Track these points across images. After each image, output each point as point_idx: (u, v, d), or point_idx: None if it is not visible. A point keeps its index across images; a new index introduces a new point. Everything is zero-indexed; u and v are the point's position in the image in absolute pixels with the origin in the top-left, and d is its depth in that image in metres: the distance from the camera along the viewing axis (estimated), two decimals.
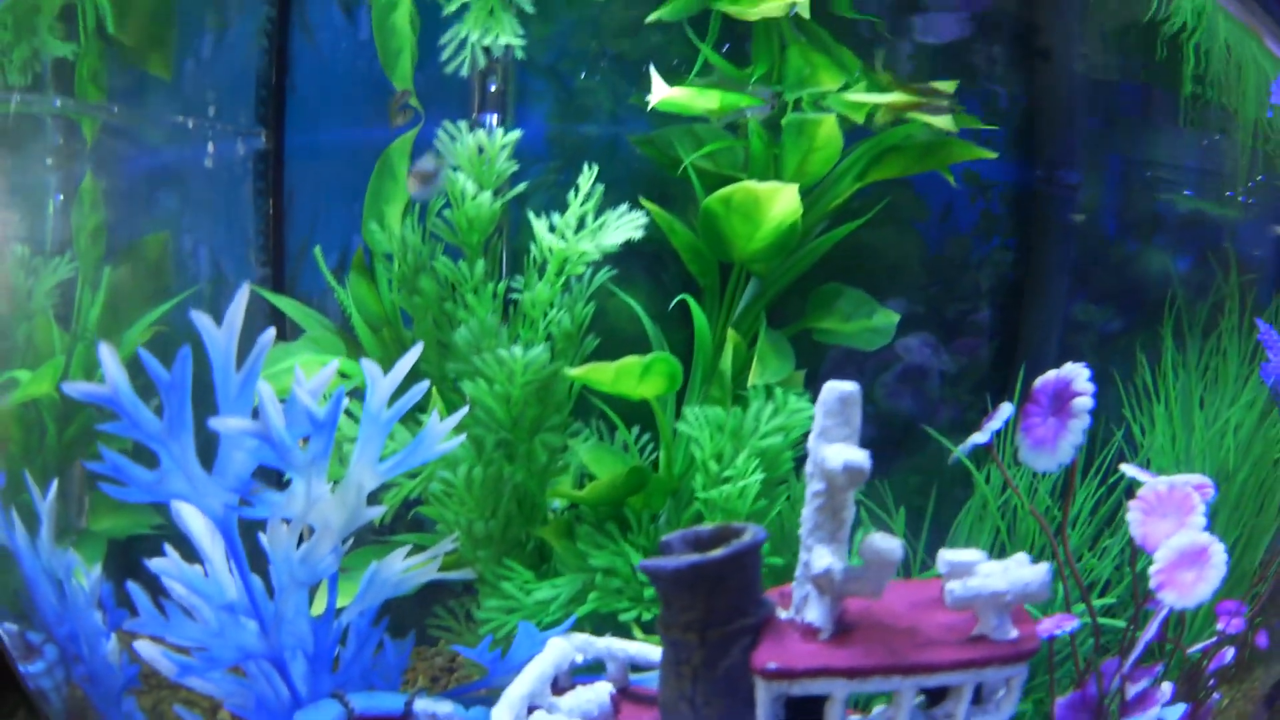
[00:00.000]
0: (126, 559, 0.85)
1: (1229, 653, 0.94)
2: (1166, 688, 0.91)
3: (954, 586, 0.62)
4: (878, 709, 0.66)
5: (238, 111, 0.96)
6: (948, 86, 0.81)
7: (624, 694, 0.72)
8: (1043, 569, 0.64)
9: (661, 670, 0.64)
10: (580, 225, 0.83)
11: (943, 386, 1.05)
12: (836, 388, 0.60)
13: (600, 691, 0.69)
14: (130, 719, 0.89)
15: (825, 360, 1.02)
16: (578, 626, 0.76)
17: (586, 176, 0.83)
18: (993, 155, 0.92)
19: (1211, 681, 0.96)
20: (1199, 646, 0.93)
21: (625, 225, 0.82)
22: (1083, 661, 0.88)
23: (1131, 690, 0.91)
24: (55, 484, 0.87)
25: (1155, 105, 1.05)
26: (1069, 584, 0.90)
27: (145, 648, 0.79)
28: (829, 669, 0.59)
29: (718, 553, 0.59)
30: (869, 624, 0.63)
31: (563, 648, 0.71)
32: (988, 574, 0.64)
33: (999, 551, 1.03)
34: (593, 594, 0.78)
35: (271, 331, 0.68)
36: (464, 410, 0.72)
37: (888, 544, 0.62)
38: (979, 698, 0.66)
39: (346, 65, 0.94)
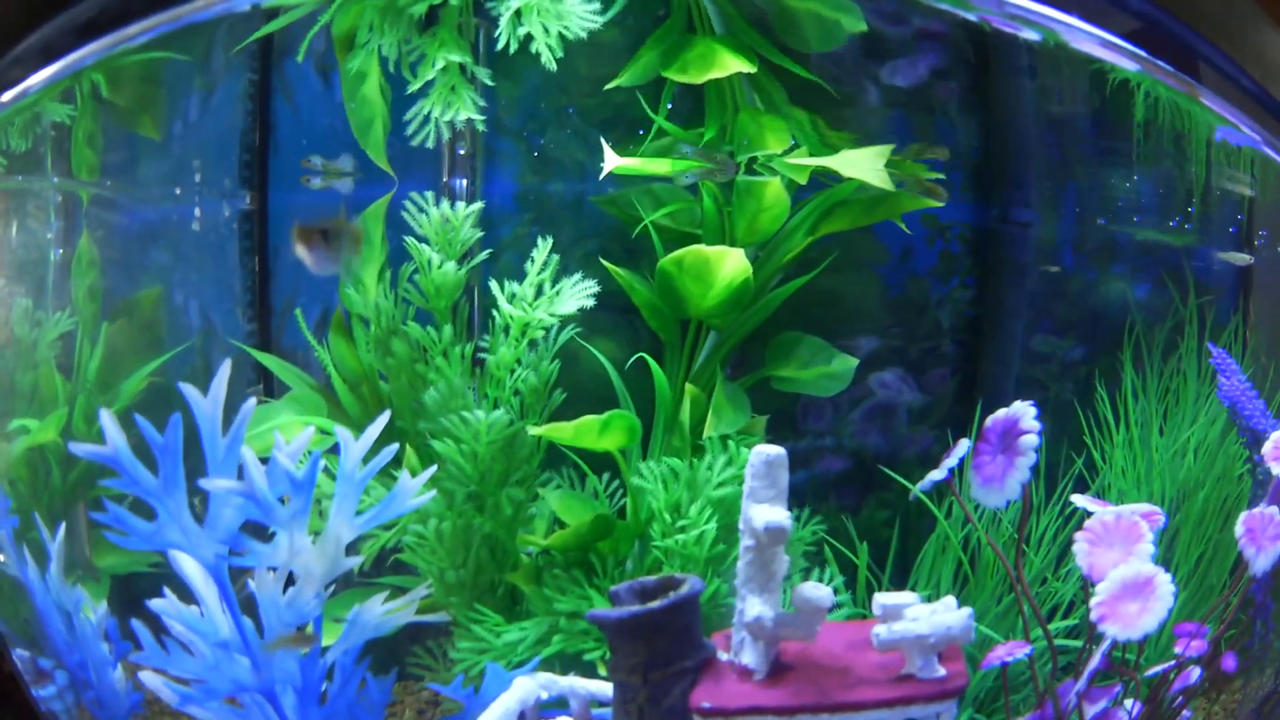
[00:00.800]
0: (128, 594, 0.95)
1: (1193, 673, 0.98)
2: (1131, 706, 0.96)
3: (880, 630, 0.70)
4: None
5: (223, 173, 1.05)
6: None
7: None
8: (965, 614, 0.71)
9: (613, 708, 0.72)
10: (539, 292, 0.91)
11: (908, 423, 1.12)
12: (763, 452, 0.67)
13: None
14: None
15: (798, 401, 1.09)
16: (547, 666, 0.84)
17: (542, 247, 0.91)
18: (939, 203, 0.98)
19: (1179, 700, 1.00)
20: (1157, 669, 0.97)
21: (578, 294, 0.90)
22: (1043, 684, 0.94)
23: (1090, 711, 0.97)
24: (63, 525, 0.97)
25: (1106, 141, 1.11)
26: (1026, 612, 0.96)
27: (149, 678, 0.89)
28: (760, 708, 0.67)
29: (656, 604, 0.67)
30: (804, 664, 0.71)
31: (528, 686, 0.80)
32: (914, 617, 0.71)
33: (962, 584, 1.10)
34: (557, 636, 0.86)
35: (253, 401, 0.77)
36: (433, 468, 0.80)
37: (818, 593, 0.70)
38: None
39: (325, 127, 1.02)
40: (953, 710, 0.72)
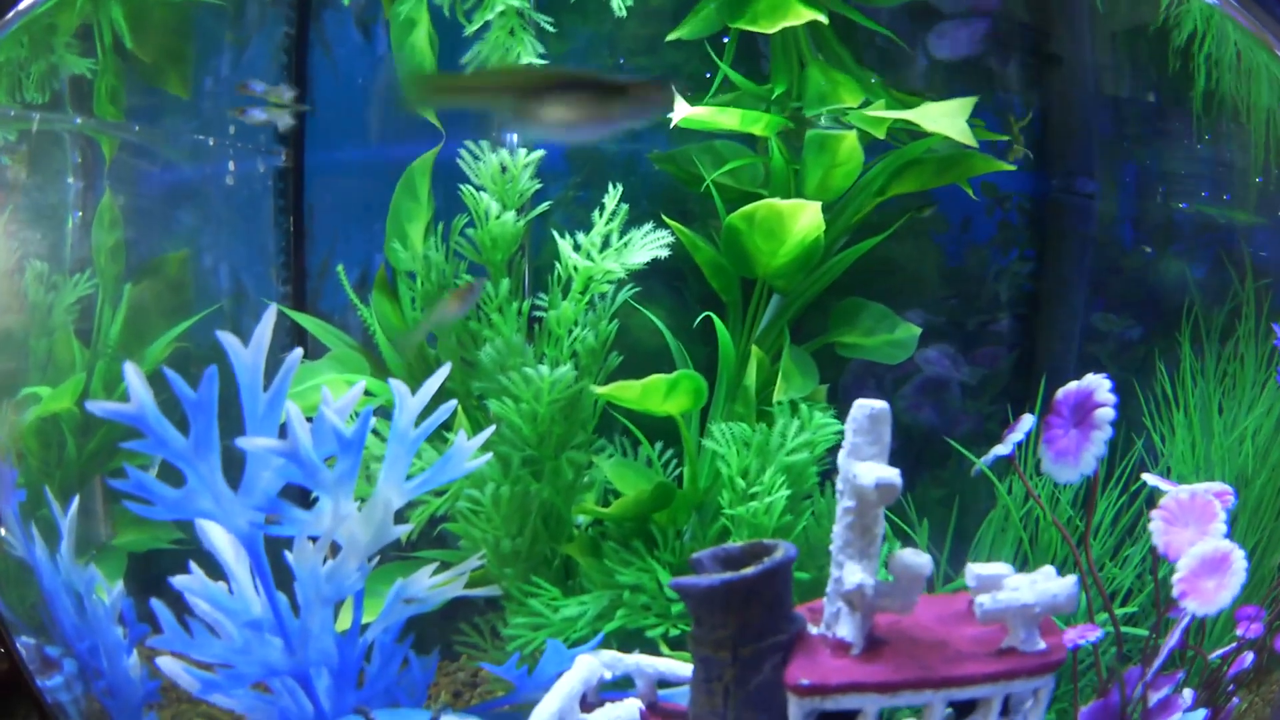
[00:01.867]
0: (146, 574, 0.87)
1: (1248, 658, 0.95)
2: (1188, 694, 0.92)
3: (984, 600, 0.64)
4: None
5: (257, 129, 0.99)
6: (967, 104, 0.82)
7: (652, 710, 0.73)
8: (1070, 581, 0.66)
9: (692, 687, 0.65)
10: (605, 244, 0.85)
11: (964, 398, 1.07)
12: (867, 405, 0.62)
13: (629, 708, 0.71)
14: None
15: (845, 373, 1.04)
16: (605, 643, 0.77)
17: (612, 195, 0.85)
18: (1011, 168, 0.94)
19: (1231, 687, 0.97)
20: (1219, 652, 0.94)
21: (650, 244, 0.84)
22: (1105, 670, 0.90)
23: (1154, 698, 0.93)
24: (76, 499, 0.88)
25: (1168, 114, 1.08)
26: (1092, 594, 0.91)
27: (168, 664, 0.81)
28: (861, 684, 0.60)
29: (750, 570, 0.61)
30: (899, 638, 0.65)
31: (591, 664, 0.73)
32: (1015, 587, 0.66)
33: (1022, 563, 1.04)
34: (620, 610, 0.80)
35: (299, 351, 0.70)
36: (492, 428, 0.73)
37: (918, 559, 0.64)
38: (1007, 709, 0.67)
39: (365, 83, 0.96)
40: (1051, 685, 0.66)
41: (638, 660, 0.73)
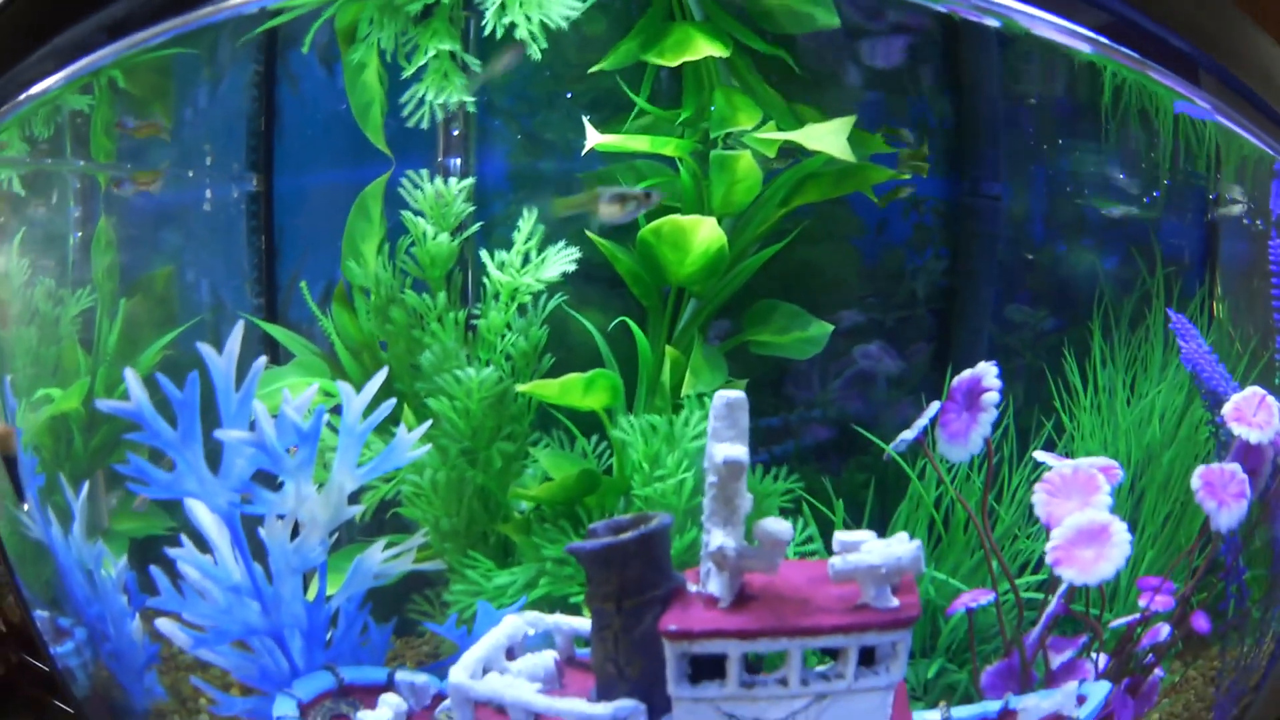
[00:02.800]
0: (144, 555, 1.05)
1: (1162, 630, 1.03)
2: (1101, 659, 1.02)
3: (835, 561, 0.78)
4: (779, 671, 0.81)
5: (231, 157, 1.15)
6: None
7: (569, 662, 0.89)
8: (913, 545, 0.79)
9: (591, 637, 0.81)
10: (526, 259, 1.00)
11: (887, 389, 1.21)
12: (725, 395, 0.76)
13: (545, 658, 0.87)
14: (151, 692, 1.09)
15: (783, 370, 1.18)
16: (536, 608, 0.93)
17: (528, 218, 1.01)
18: (906, 176, 1.07)
19: (1150, 658, 1.05)
20: (1119, 621, 1.00)
21: (561, 260, 0.99)
22: (1010, 634, 1.00)
23: (1056, 659, 1.04)
24: (86, 486, 1.07)
25: (1074, 116, 1.19)
26: (993, 563, 1.03)
27: (164, 624, 0.99)
28: (723, 631, 0.75)
29: (627, 535, 0.76)
30: (767, 595, 0.79)
31: (515, 622, 0.89)
32: (869, 550, 0.80)
33: (935, 542, 1.18)
34: (544, 579, 0.96)
35: (264, 359, 0.87)
36: (428, 423, 0.90)
37: (778, 526, 0.78)
38: (873, 660, 0.80)
39: (327, 113, 1.12)
40: (907, 639, 0.79)
41: (556, 619, 0.89)
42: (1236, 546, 1.11)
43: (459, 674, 0.83)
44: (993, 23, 0.98)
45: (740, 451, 0.74)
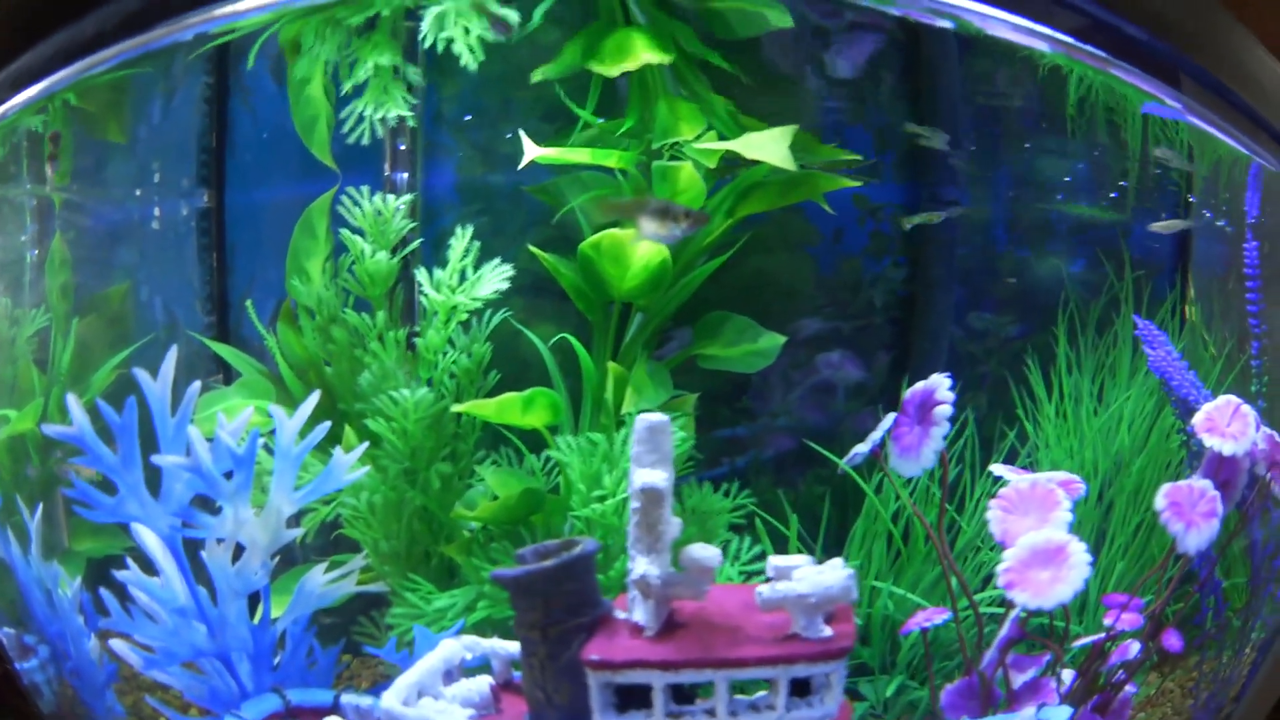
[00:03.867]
0: (98, 576, 1.05)
1: (1132, 646, 1.01)
2: (1067, 675, 1.00)
3: (763, 590, 0.77)
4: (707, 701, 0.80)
5: (183, 173, 1.15)
6: (788, 131, 0.93)
7: (506, 686, 0.88)
8: (844, 574, 0.77)
9: (520, 663, 0.80)
10: (463, 277, 0.99)
11: (845, 400, 1.19)
12: (646, 419, 0.75)
13: (480, 683, 0.86)
14: (112, 710, 1.09)
15: (745, 381, 1.16)
16: (479, 632, 0.92)
17: (461, 236, 1.00)
18: (856, 184, 1.05)
19: (1120, 674, 1.03)
20: (1084, 641, 0.97)
21: (495, 277, 0.98)
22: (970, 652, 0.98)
23: (1018, 679, 1.02)
24: (40, 506, 1.07)
25: (1038, 119, 1.17)
26: (951, 580, 1.01)
27: (118, 644, 0.99)
28: (644, 661, 0.74)
29: (548, 563, 0.75)
30: (696, 623, 0.78)
31: (452, 646, 0.88)
32: (800, 578, 0.78)
33: (895, 555, 1.16)
34: (483, 602, 0.95)
35: (197, 385, 0.87)
36: (364, 445, 0.89)
37: (705, 553, 0.77)
38: (807, 691, 0.79)
39: (278, 127, 1.12)
40: (841, 670, 0.76)
41: (493, 644, 0.88)
42: (1211, 559, 1.08)
43: (390, 699, 0.83)
44: (946, 24, 0.95)
45: (659, 478, 0.73)
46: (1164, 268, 1.24)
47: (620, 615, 0.79)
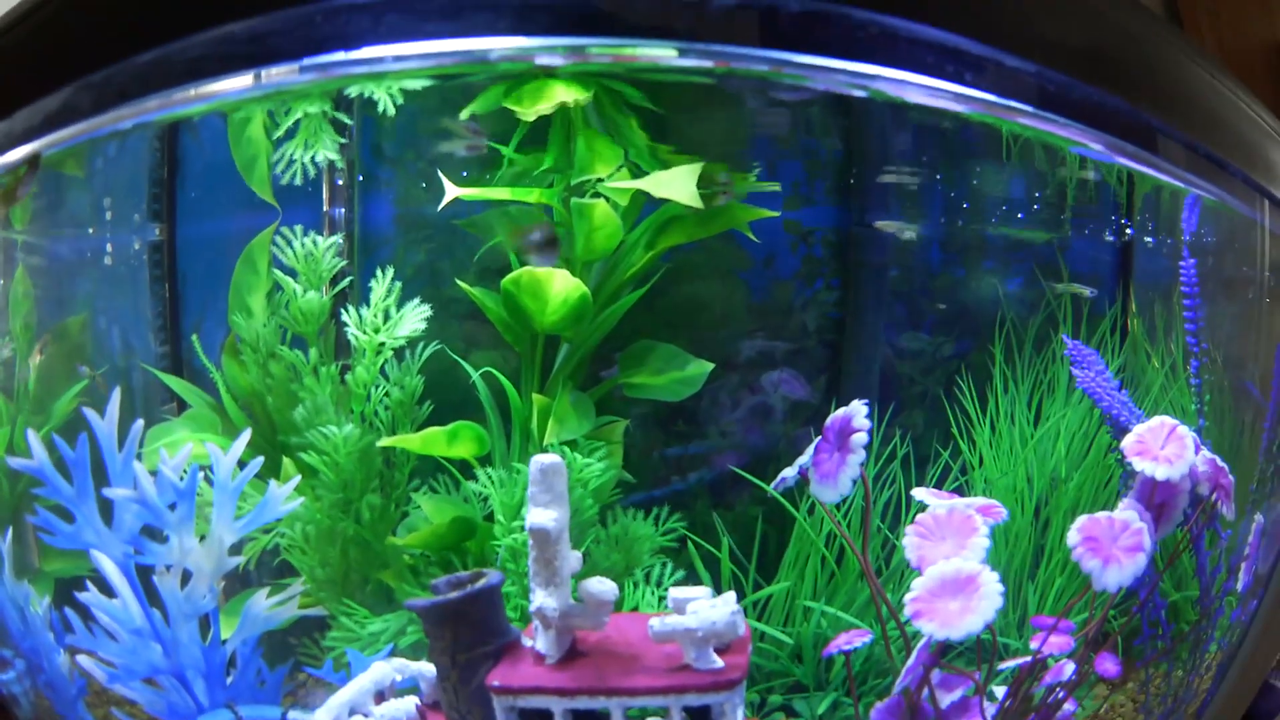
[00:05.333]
0: (66, 594, 1.14)
1: (1067, 667, 1.02)
2: (999, 693, 1.03)
3: (654, 623, 0.83)
4: None
5: (135, 206, 1.22)
6: (694, 168, 0.97)
7: (432, 707, 0.95)
8: (729, 610, 0.82)
9: (437, 686, 0.87)
10: (386, 316, 1.05)
11: (781, 422, 1.24)
12: (540, 460, 0.81)
13: (407, 703, 0.93)
14: None
15: (678, 405, 1.21)
16: (412, 654, 0.99)
17: (381, 278, 1.06)
18: (773, 214, 1.09)
19: (1060, 693, 1.05)
20: (1009, 664, 0.98)
21: (415, 317, 1.05)
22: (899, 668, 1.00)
23: (945, 699, 1.06)
24: (10, 530, 1.16)
25: (972, 138, 1.19)
26: (880, 602, 1.05)
27: (85, 660, 1.08)
28: (543, 688, 0.81)
29: (455, 594, 0.81)
30: (597, 652, 0.85)
31: (383, 669, 0.95)
32: (692, 611, 0.84)
33: (829, 578, 1.21)
34: (412, 627, 1.02)
35: (140, 422, 0.94)
36: (297, 479, 0.96)
37: (601, 587, 0.83)
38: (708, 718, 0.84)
39: (225, 163, 1.18)
40: (735, 700, 0.82)
41: (420, 666, 0.95)
42: (1152, 579, 1.09)
43: (323, 717, 0.90)
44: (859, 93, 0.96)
45: (549, 518, 0.79)
46: (1104, 283, 1.26)
47: (527, 643, 0.86)
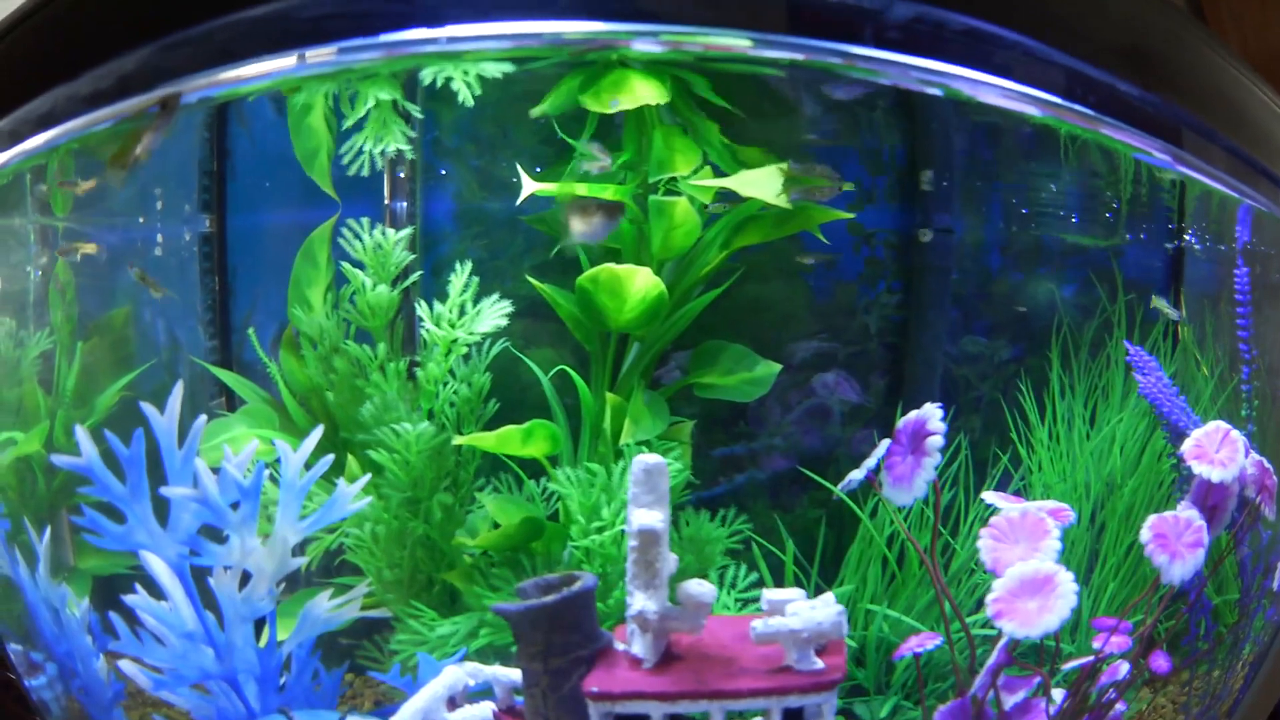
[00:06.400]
0: (108, 591, 1.10)
1: (1121, 667, 1.04)
2: (1058, 695, 1.04)
3: (756, 624, 0.81)
4: None
5: (184, 198, 1.18)
6: (779, 169, 0.97)
7: (508, 712, 0.93)
8: (835, 610, 0.82)
9: (523, 692, 0.85)
10: (462, 311, 1.03)
11: (841, 424, 1.23)
12: (643, 461, 0.79)
13: (483, 709, 0.91)
14: None
15: (741, 405, 1.20)
16: (481, 658, 0.97)
17: (460, 272, 1.03)
18: (849, 216, 1.08)
19: (1111, 694, 1.07)
20: (1072, 665, 1.00)
21: (495, 313, 1.02)
22: (964, 675, 1.01)
23: (1008, 700, 1.06)
24: (49, 528, 1.12)
25: (1032, 143, 1.20)
26: (944, 604, 1.05)
27: (127, 666, 1.04)
28: (643, 693, 0.79)
29: (550, 598, 0.79)
30: (692, 655, 0.83)
31: (456, 673, 0.93)
32: (793, 613, 0.83)
33: (890, 579, 1.20)
34: (484, 630, 0.99)
35: (203, 419, 0.91)
36: (366, 477, 0.93)
37: (700, 589, 0.82)
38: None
39: (278, 154, 1.15)
40: (832, 700, 0.81)
41: (495, 671, 0.93)
42: (1200, 580, 1.11)
43: None
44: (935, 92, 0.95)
45: (655, 519, 0.77)
46: (1157, 289, 1.27)
47: (619, 647, 0.84)
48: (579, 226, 0.97)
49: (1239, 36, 1.81)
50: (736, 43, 0.71)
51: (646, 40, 0.73)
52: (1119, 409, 1.24)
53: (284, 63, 0.74)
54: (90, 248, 1.10)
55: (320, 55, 0.75)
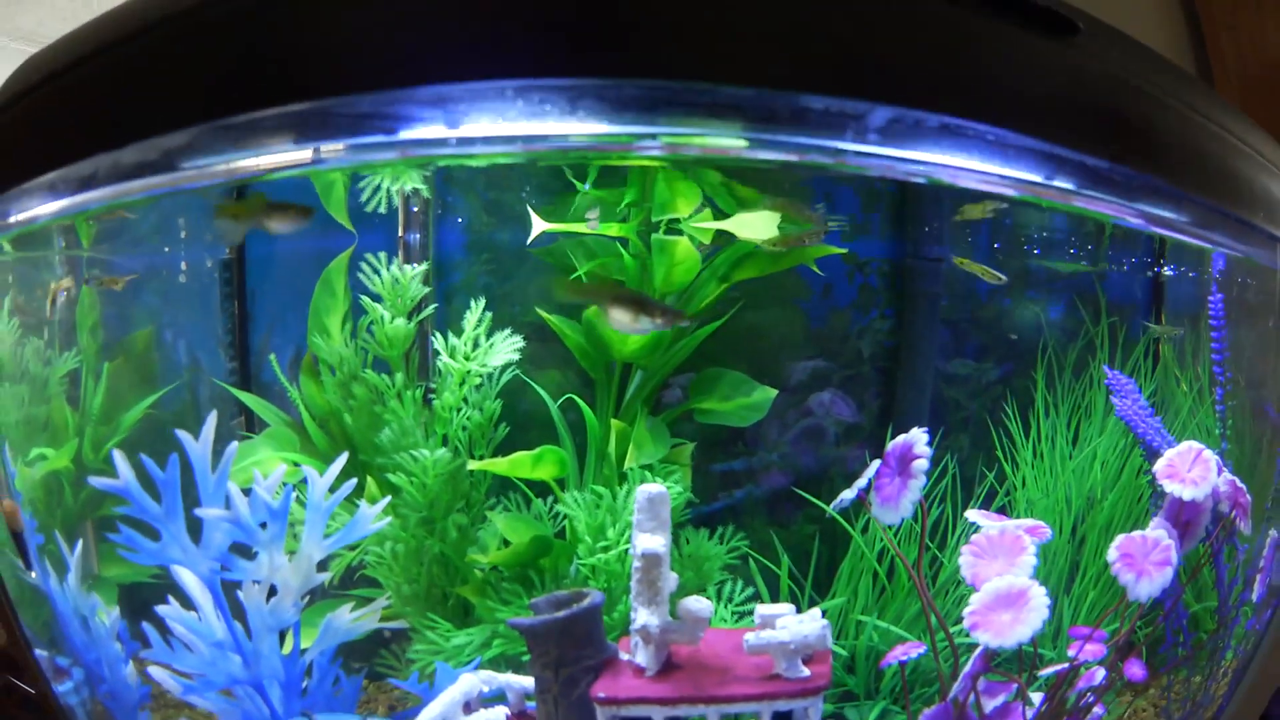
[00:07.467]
0: (135, 600, 1.19)
1: (1098, 673, 1.14)
2: (1037, 698, 1.13)
3: (749, 637, 0.91)
4: None
5: (205, 224, 1.27)
6: (775, 214, 1.06)
7: (520, 716, 1.03)
8: (820, 625, 0.92)
9: (535, 698, 0.95)
10: (476, 344, 1.12)
11: (834, 444, 1.32)
12: (647, 490, 0.88)
13: (495, 713, 1.01)
14: None
15: (749, 427, 1.28)
16: (494, 666, 1.07)
17: (475, 307, 1.12)
18: (841, 251, 1.17)
19: (1090, 698, 1.16)
20: (1048, 671, 1.09)
21: (506, 348, 1.12)
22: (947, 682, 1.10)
23: (989, 704, 1.16)
24: (80, 541, 1.21)
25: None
26: (930, 616, 1.14)
27: (157, 672, 1.14)
28: (645, 698, 0.89)
29: (561, 613, 0.89)
30: (691, 664, 0.93)
31: (471, 680, 1.03)
32: (783, 626, 0.92)
33: (880, 592, 1.30)
34: (497, 640, 1.09)
35: (235, 445, 1.00)
36: (387, 499, 1.03)
37: (698, 605, 0.91)
38: None
39: (295, 184, 1.23)
40: (818, 705, 0.92)
41: (508, 678, 1.03)
42: (1175, 591, 1.20)
43: None
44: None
45: (658, 543, 0.87)
46: (1139, 310, 1.36)
47: (624, 657, 0.94)
48: (622, 319, 0.99)
49: (1235, 48, 1.88)
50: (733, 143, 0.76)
51: (646, 142, 0.79)
52: (1100, 426, 1.33)
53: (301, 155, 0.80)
54: (119, 283, 1.19)
55: (332, 150, 0.80)
